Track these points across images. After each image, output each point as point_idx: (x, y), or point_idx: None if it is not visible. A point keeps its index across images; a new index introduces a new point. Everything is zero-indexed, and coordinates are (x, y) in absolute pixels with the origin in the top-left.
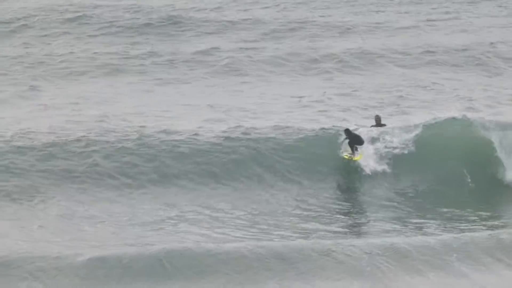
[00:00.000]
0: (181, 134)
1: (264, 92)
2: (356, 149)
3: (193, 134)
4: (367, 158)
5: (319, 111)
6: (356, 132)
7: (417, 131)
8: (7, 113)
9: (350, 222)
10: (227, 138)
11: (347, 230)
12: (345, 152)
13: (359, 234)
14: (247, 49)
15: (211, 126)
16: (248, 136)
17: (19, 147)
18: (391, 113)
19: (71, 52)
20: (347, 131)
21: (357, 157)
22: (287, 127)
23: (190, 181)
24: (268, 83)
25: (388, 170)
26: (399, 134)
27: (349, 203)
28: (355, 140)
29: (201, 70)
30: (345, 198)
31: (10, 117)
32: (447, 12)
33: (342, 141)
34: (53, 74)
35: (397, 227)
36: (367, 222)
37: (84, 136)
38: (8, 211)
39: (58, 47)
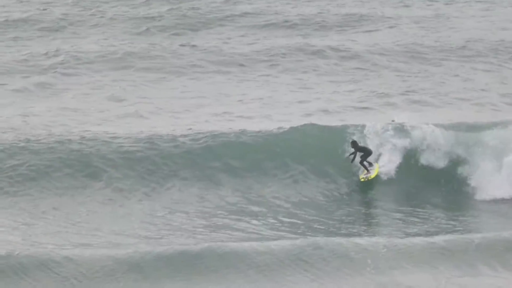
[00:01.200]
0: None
1: (296, 85)
2: (370, 164)
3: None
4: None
5: (348, 104)
6: (362, 144)
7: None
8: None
9: (355, 221)
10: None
11: (354, 228)
12: (361, 174)
13: (369, 232)
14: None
15: (245, 119)
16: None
17: (49, 141)
18: (417, 109)
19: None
20: (353, 143)
21: (373, 175)
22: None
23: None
24: (301, 75)
25: (397, 170)
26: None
27: (353, 200)
28: (363, 152)
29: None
30: (350, 195)
31: (43, 110)
32: (477, 1)
33: (350, 155)
34: (87, 68)
35: (403, 225)
36: (375, 221)
37: (124, 130)
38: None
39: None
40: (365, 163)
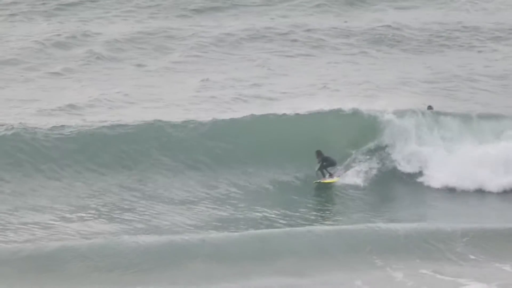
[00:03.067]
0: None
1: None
2: (331, 175)
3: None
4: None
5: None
6: (327, 155)
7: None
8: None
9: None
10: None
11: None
12: (316, 179)
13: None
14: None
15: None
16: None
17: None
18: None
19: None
20: (318, 152)
21: (328, 180)
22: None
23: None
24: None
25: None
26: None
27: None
28: (326, 161)
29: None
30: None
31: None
32: None
33: (318, 165)
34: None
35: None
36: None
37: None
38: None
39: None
40: (325, 171)
